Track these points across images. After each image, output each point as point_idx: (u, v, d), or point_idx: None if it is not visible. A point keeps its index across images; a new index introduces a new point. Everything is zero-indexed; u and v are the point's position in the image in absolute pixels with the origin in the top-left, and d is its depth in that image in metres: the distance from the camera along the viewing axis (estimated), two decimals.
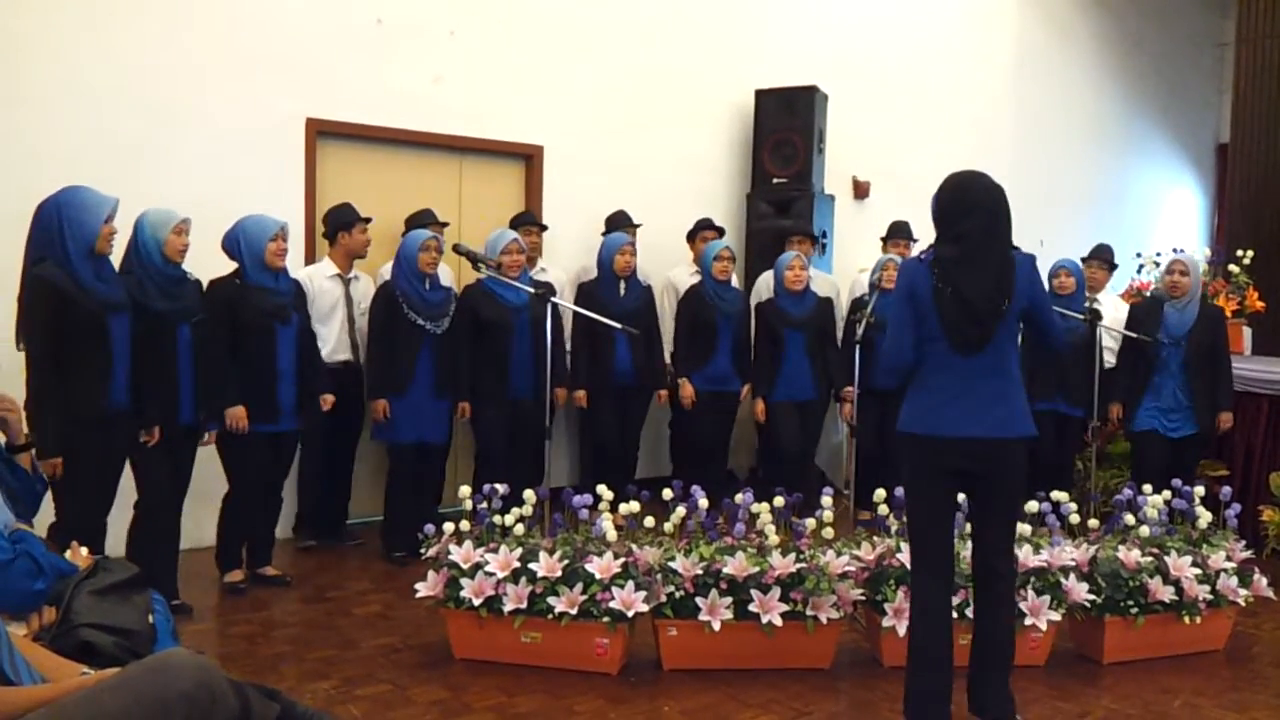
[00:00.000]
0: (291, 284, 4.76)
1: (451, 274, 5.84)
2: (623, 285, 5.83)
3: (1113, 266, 6.20)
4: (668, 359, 6.19)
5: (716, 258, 5.93)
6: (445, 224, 5.79)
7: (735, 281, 6.28)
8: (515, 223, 5.94)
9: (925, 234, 6.97)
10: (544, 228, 6.19)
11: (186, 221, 4.24)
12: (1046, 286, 5.51)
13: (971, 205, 3.19)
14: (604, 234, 6.20)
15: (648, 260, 6.29)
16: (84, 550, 2.81)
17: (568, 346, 5.88)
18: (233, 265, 4.61)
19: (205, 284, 4.50)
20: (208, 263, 4.54)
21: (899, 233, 6.79)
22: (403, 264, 5.10)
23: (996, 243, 3.16)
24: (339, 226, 5.39)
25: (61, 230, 3.79)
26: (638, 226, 6.31)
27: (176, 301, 4.23)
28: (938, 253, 3.20)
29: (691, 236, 6.58)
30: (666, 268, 6.57)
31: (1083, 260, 6.04)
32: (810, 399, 5.99)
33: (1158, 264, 6.65)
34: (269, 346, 4.57)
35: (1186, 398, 5.24)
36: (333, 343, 5.30)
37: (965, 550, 3.65)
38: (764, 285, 6.36)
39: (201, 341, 4.33)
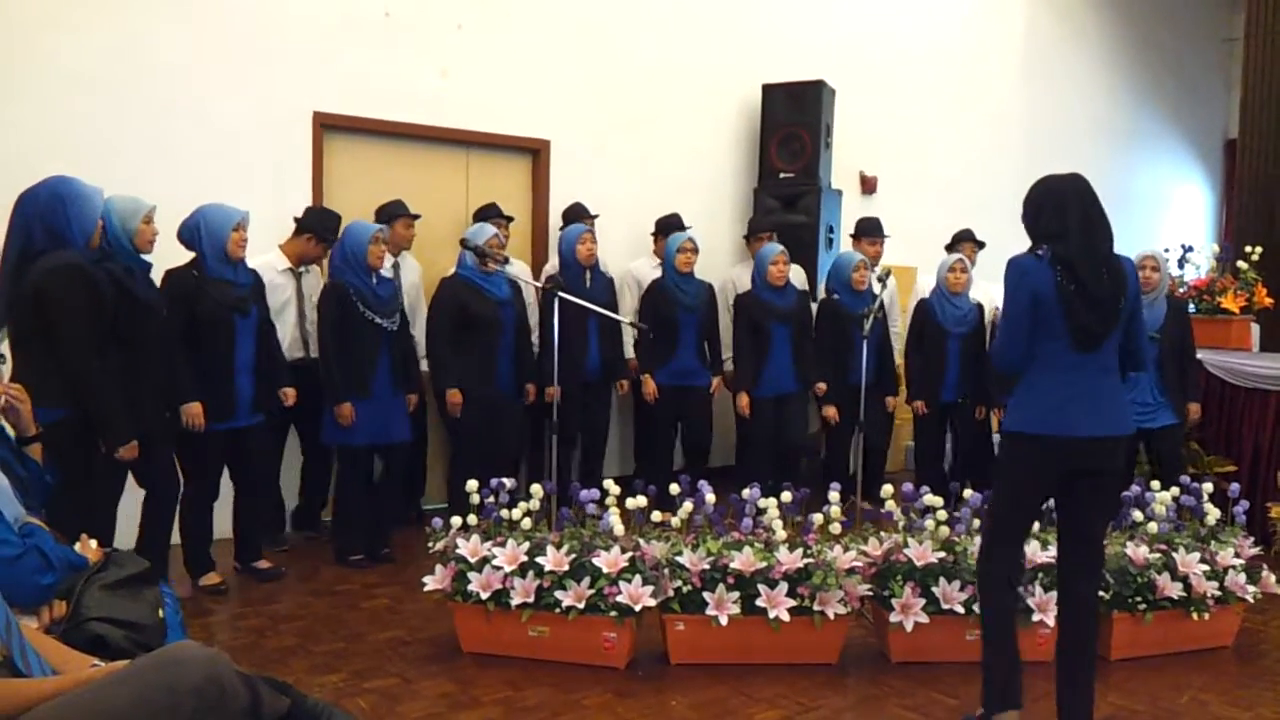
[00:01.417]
0: (250, 275, 4.59)
1: (418, 268, 5.79)
2: (588, 276, 5.77)
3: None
4: (630, 352, 6.11)
5: (679, 249, 5.86)
6: (417, 216, 5.65)
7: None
8: (482, 215, 5.82)
9: (929, 227, 7.00)
10: (510, 219, 6.05)
11: (154, 209, 4.13)
12: None
13: (1068, 204, 3.14)
14: (560, 228, 6.16)
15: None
16: (94, 543, 2.81)
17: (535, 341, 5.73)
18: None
19: (162, 275, 4.37)
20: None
21: (868, 230, 6.73)
22: (349, 258, 4.83)
23: (1105, 240, 3.14)
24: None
25: (68, 222, 3.73)
26: (595, 217, 6.20)
27: (153, 293, 4.16)
28: (1054, 250, 3.12)
29: (665, 233, 6.34)
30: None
31: None
32: (791, 391, 5.99)
33: (1166, 261, 6.64)
34: (228, 340, 4.43)
35: (1160, 392, 5.22)
36: (286, 340, 5.09)
37: (971, 547, 3.65)
38: (738, 280, 6.32)
39: (160, 335, 4.19)
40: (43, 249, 3.73)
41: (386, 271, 5.13)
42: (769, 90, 7.12)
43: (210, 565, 4.64)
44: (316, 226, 5.16)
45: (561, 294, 4.74)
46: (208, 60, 5.26)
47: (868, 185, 8.05)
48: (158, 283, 4.33)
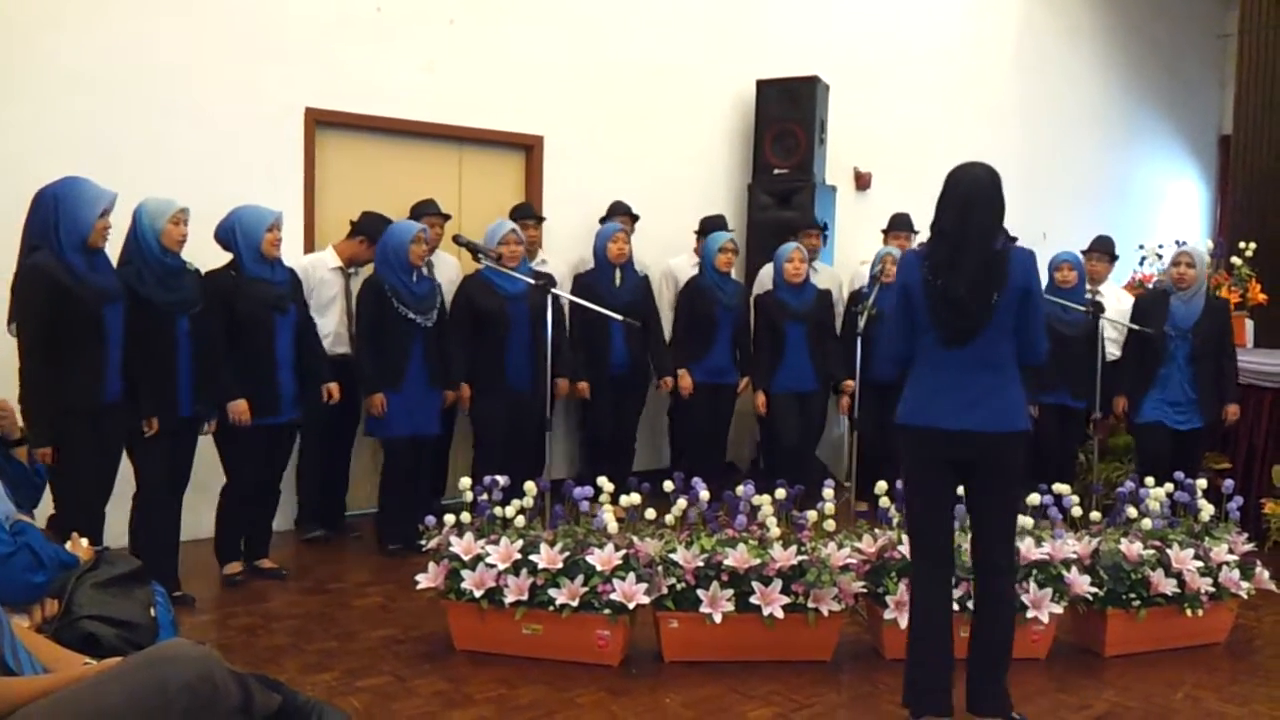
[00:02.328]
0: (288, 274, 4.70)
1: (457, 265, 5.83)
2: (619, 275, 5.81)
3: (1113, 258, 6.19)
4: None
5: (720, 249, 5.92)
6: (447, 216, 5.76)
7: (735, 272, 6.27)
8: (514, 215, 5.91)
9: (924, 224, 6.99)
10: (542, 219, 6.17)
11: (185, 211, 4.20)
12: (1048, 280, 5.53)
13: (955, 197, 3.18)
14: (601, 221, 6.22)
15: (648, 250, 6.29)
16: (85, 542, 2.80)
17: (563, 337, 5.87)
18: (227, 256, 4.56)
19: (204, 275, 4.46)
20: (208, 254, 4.51)
21: (900, 225, 6.76)
22: (390, 257, 4.99)
23: (977, 235, 3.12)
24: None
25: (57, 221, 3.77)
26: (636, 218, 6.28)
27: (175, 293, 4.21)
28: (928, 246, 3.21)
29: (702, 234, 6.47)
30: (666, 257, 6.56)
31: (1083, 252, 6.02)
32: (811, 390, 5.98)
33: (1160, 256, 6.65)
34: (267, 337, 4.53)
35: (1193, 390, 5.21)
36: (331, 335, 5.27)
37: (967, 543, 3.64)
38: (765, 277, 6.34)
39: (200, 333, 4.30)
40: (33, 246, 3.79)
41: (451, 271, 5.32)
42: (763, 86, 7.11)
43: (237, 555, 4.75)
44: (370, 231, 5.29)
45: (554, 291, 4.74)
46: (200, 57, 5.24)
47: (862, 181, 8.04)
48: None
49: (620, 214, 6.25)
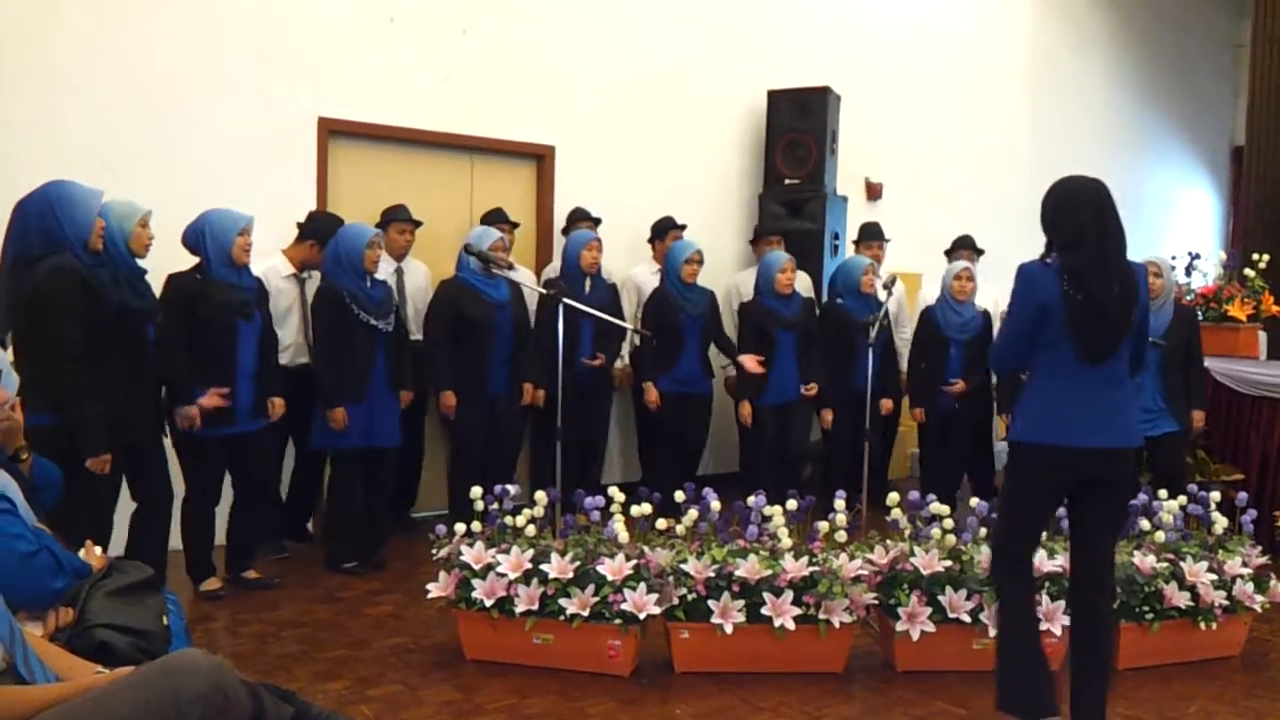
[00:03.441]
0: (254, 280, 4.57)
1: (427, 272, 5.76)
2: (589, 282, 5.75)
3: None
4: (628, 359, 6.11)
5: (687, 260, 5.83)
6: (419, 223, 5.63)
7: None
8: (488, 219, 5.83)
9: (936, 234, 6.99)
10: (515, 225, 6.04)
11: (149, 214, 4.09)
12: None
13: (1085, 208, 3.10)
14: (563, 230, 6.19)
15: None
16: (98, 550, 2.80)
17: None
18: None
19: (164, 279, 4.34)
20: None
21: (871, 234, 6.79)
22: (344, 260, 4.79)
23: (1118, 246, 3.10)
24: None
25: (60, 225, 3.72)
26: (598, 222, 6.20)
27: (143, 299, 4.08)
28: (1063, 258, 3.09)
29: (659, 238, 6.39)
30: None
31: None
32: (795, 399, 5.97)
33: (1173, 268, 6.62)
34: (230, 343, 4.39)
35: (1163, 399, 5.19)
36: (292, 346, 5.12)
37: (979, 555, 3.64)
38: (744, 285, 6.31)
39: (160, 339, 4.18)
40: (40, 254, 3.72)
41: (381, 275, 5.10)
42: (774, 96, 7.11)
43: (210, 571, 4.62)
44: (320, 232, 5.11)
45: (566, 300, 4.71)
46: (213, 66, 5.27)
47: (873, 191, 8.04)
48: (157, 287, 4.29)
49: (583, 220, 6.17)
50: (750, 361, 5.79)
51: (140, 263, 4.10)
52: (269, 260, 5.10)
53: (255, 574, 4.76)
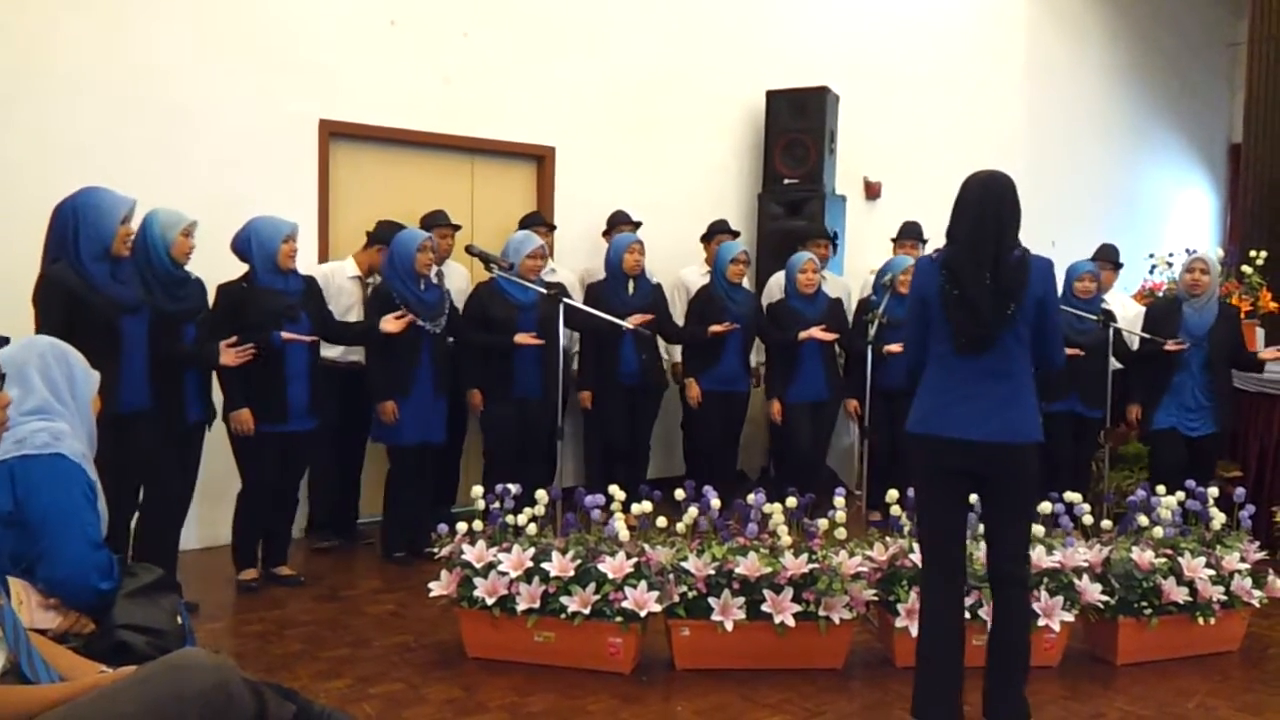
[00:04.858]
0: (300, 283, 4.69)
1: (467, 275, 5.86)
2: (631, 285, 5.83)
3: (1118, 266, 6.19)
4: (678, 358, 6.20)
5: (733, 260, 5.90)
6: (457, 226, 5.78)
7: (746, 282, 6.27)
8: (525, 223, 5.94)
9: (936, 235, 7.00)
10: (553, 228, 6.19)
11: (194, 224, 4.25)
12: (1067, 289, 5.52)
13: (970, 205, 3.18)
14: (604, 233, 6.25)
15: (658, 260, 6.29)
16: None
17: (575, 348, 5.96)
18: (242, 268, 4.59)
19: (214, 287, 4.49)
20: (219, 264, 4.54)
21: (909, 233, 6.77)
22: (397, 264, 5.01)
23: (994, 242, 3.11)
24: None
25: (76, 231, 3.82)
26: (638, 225, 6.29)
27: (182, 302, 4.27)
28: (945, 253, 3.20)
29: (707, 239, 6.56)
30: (677, 267, 6.57)
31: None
32: (824, 399, 5.98)
33: (1170, 264, 6.64)
34: (276, 348, 4.52)
35: (1207, 398, 5.22)
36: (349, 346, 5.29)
37: (979, 551, 3.65)
38: (775, 286, 6.35)
39: (204, 341, 4.33)
40: (54, 258, 3.85)
41: (460, 280, 5.33)
42: (773, 96, 7.13)
43: (253, 562, 4.79)
44: (385, 237, 5.28)
45: (566, 300, 4.76)
46: (215, 68, 5.29)
47: (872, 191, 8.05)
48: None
49: (624, 223, 6.28)
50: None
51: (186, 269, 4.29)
52: (338, 261, 5.47)
53: (288, 570, 4.88)
